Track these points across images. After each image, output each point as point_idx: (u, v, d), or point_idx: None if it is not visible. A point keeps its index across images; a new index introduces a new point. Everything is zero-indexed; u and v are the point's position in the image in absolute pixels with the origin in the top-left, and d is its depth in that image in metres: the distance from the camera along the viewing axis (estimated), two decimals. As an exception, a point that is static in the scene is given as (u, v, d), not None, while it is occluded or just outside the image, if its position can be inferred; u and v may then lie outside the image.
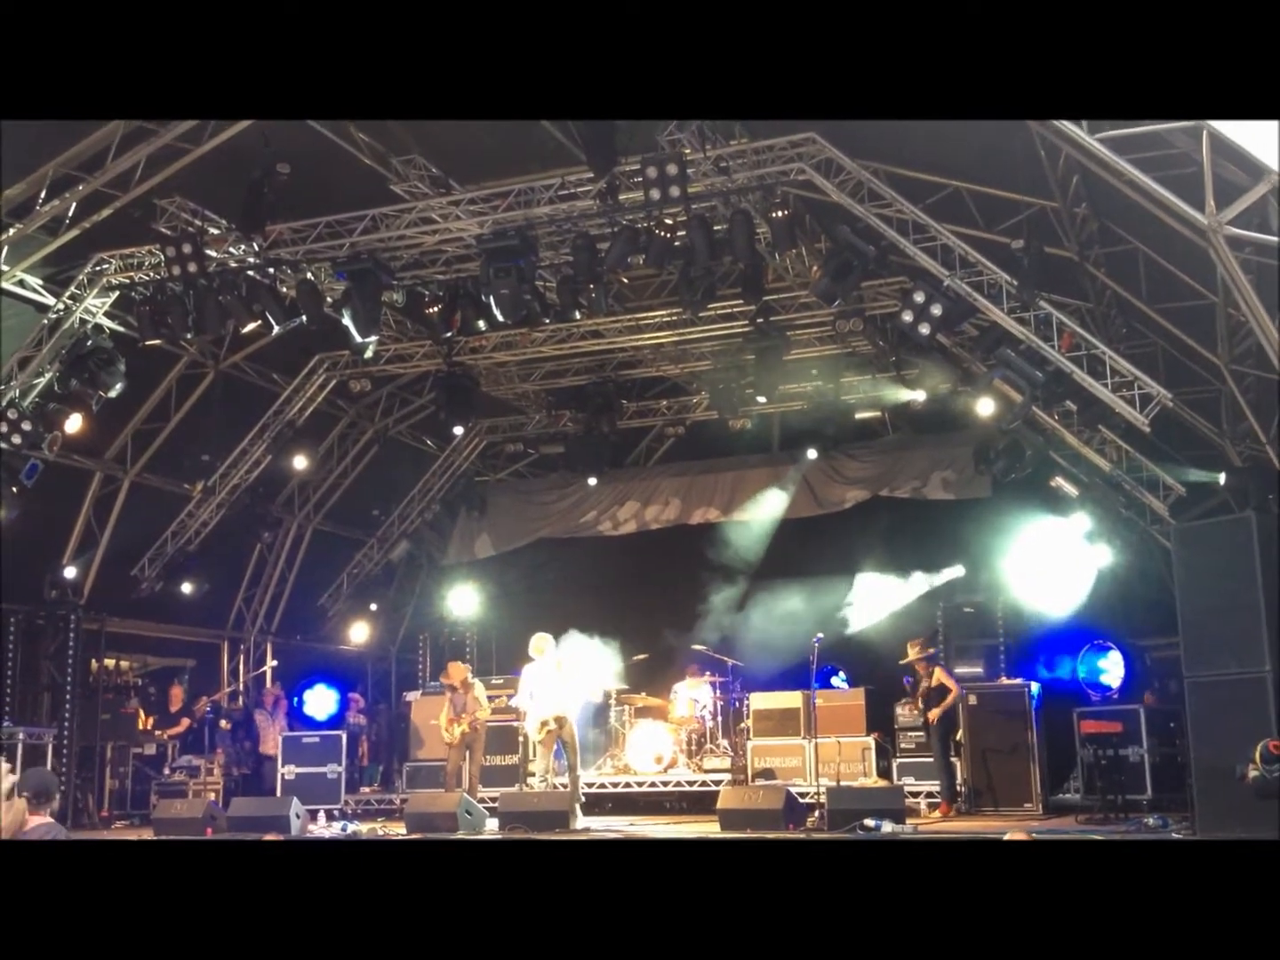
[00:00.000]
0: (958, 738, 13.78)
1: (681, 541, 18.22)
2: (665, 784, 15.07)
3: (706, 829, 12.20)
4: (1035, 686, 14.04)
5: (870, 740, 14.43)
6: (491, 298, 12.36)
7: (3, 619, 14.30)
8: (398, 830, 12.88)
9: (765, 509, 17.70)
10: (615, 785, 15.24)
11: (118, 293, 13.59)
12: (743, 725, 15.28)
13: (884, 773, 14.30)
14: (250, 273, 12.97)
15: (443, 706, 14.32)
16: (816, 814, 12.05)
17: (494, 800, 13.07)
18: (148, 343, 13.39)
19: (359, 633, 19.71)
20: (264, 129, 10.87)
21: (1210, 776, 9.96)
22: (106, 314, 13.75)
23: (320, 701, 18.44)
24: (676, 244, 11.77)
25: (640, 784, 15.11)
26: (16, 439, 12.88)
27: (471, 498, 19.89)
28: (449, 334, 13.74)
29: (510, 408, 18.93)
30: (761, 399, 16.00)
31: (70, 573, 15.40)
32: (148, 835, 12.70)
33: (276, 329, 13.08)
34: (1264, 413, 11.06)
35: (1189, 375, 12.22)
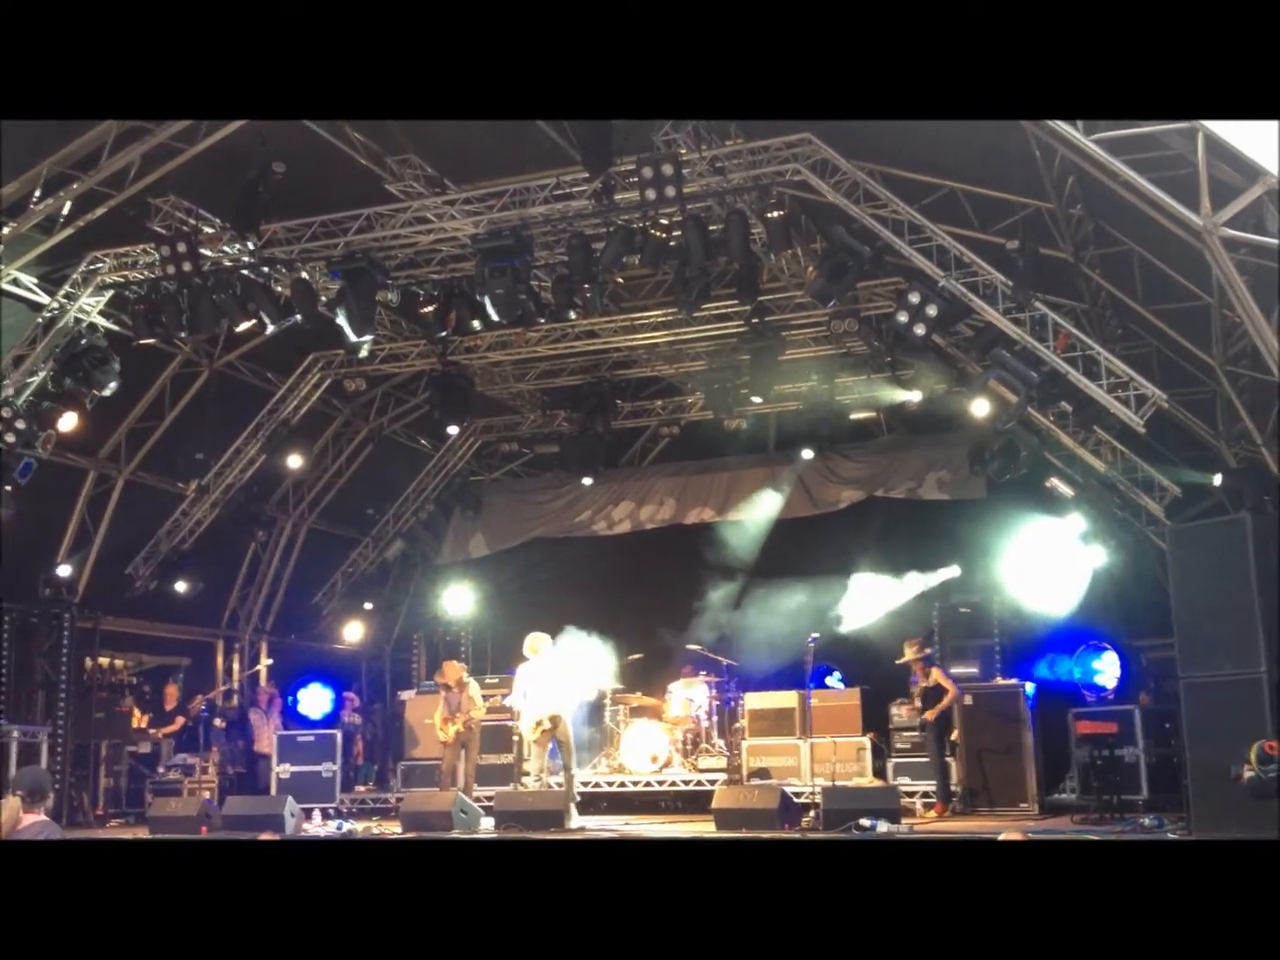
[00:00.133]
0: (953, 738, 13.79)
1: (676, 541, 18.20)
2: (660, 783, 15.05)
3: (701, 829, 12.20)
4: (1030, 687, 14.05)
5: (865, 740, 14.42)
6: (486, 297, 12.35)
7: (-3, 617, 14.28)
8: (393, 829, 12.88)
9: (760, 509, 17.68)
10: (610, 785, 15.23)
11: (112, 291, 13.55)
12: (738, 725, 15.25)
13: (879, 773, 14.29)
14: (245, 272, 12.95)
15: (437, 705, 14.31)
16: (812, 814, 12.06)
17: (489, 799, 13.06)
18: (142, 341, 13.39)
19: (353, 632, 19.69)
20: (259, 128, 10.86)
21: (1206, 777, 9.95)
22: (101, 313, 13.71)
23: (315, 700, 18.43)
24: (672, 244, 11.78)
25: (635, 783, 15.09)
26: (10, 437, 12.87)
27: (466, 497, 19.88)
28: (444, 333, 13.75)
29: (505, 407, 18.91)
30: (756, 399, 15.95)
31: (64, 571, 15.40)
32: (142, 834, 12.68)
33: (271, 328, 13.09)
34: (1259, 414, 11.07)
35: (1184, 376, 12.22)
